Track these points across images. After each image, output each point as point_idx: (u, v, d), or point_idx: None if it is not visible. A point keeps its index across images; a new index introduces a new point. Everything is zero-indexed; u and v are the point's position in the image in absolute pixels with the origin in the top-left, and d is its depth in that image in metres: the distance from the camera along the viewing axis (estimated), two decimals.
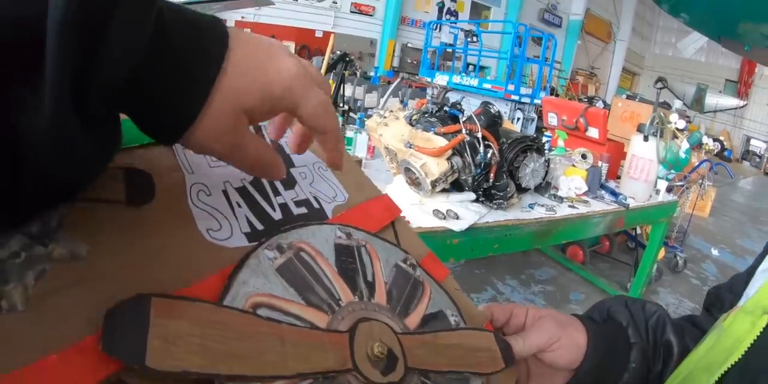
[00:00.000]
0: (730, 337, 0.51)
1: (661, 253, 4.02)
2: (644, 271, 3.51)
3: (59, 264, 0.35)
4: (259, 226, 0.44)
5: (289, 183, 0.51)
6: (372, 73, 8.81)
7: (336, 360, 0.38)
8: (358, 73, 7.09)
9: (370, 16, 12.67)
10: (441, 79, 7.95)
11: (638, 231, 4.29)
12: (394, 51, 12.89)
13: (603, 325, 0.64)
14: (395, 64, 12.81)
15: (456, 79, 8.03)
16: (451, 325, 0.51)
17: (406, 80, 7.20)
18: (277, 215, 0.47)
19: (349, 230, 0.48)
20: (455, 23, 11.13)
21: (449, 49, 9.67)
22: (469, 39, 9.01)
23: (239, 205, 0.45)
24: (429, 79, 7.90)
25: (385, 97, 3.53)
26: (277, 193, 0.49)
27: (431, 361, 0.44)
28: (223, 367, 0.32)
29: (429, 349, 0.45)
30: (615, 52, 18.49)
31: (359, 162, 2.40)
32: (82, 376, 0.30)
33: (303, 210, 0.49)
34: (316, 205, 0.51)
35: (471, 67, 9.73)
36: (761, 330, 0.49)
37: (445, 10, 13.53)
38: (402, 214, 0.61)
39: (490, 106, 2.05)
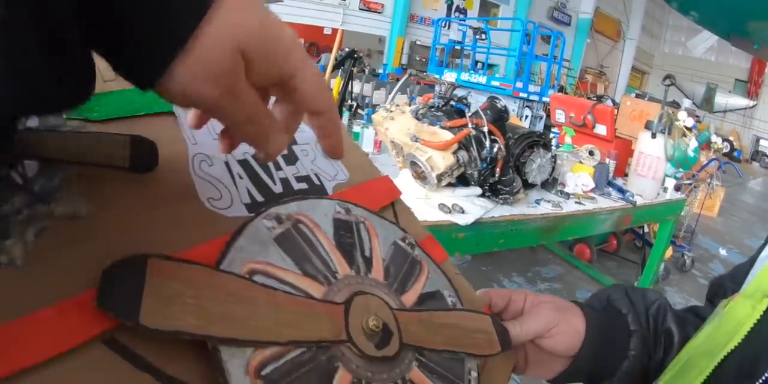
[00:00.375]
0: (731, 322, 0.51)
1: (669, 252, 4.00)
2: (651, 270, 3.49)
3: (60, 222, 0.35)
4: (259, 198, 0.45)
5: (291, 159, 0.51)
6: (380, 71, 8.82)
7: (330, 330, 0.37)
8: (366, 70, 7.11)
9: (379, 13, 12.67)
10: (449, 77, 7.92)
11: (646, 229, 4.27)
12: (402, 48, 12.89)
13: (602, 313, 0.64)
14: (404, 61, 12.80)
15: (464, 76, 8.00)
16: (448, 306, 0.51)
17: (414, 77, 7.21)
18: (277, 189, 0.47)
19: (348, 206, 0.49)
20: (464, 20, 11.12)
21: (458, 47, 9.63)
22: (477, 36, 8.99)
23: (240, 177, 0.46)
24: (437, 76, 7.89)
25: (393, 93, 3.52)
26: (278, 167, 0.50)
27: (427, 339, 0.44)
28: (216, 329, 0.32)
29: (425, 326, 0.45)
30: (624, 50, 18.43)
31: None
32: (76, 329, 0.30)
33: (303, 185, 0.50)
34: (316, 182, 0.51)
35: (479, 65, 9.72)
36: (762, 313, 0.48)
37: (453, 7, 13.51)
38: (407, 205, 0.61)
39: (497, 101, 2.05)
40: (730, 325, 0.50)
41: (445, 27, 10.02)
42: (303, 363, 0.36)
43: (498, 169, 1.91)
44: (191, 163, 0.44)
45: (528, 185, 2.17)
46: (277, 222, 0.42)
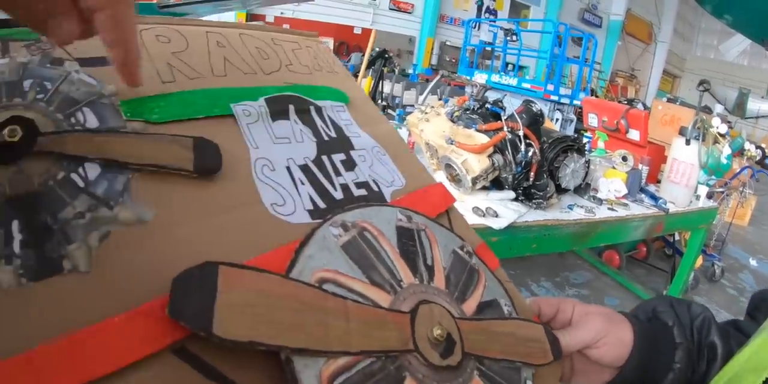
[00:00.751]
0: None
1: (699, 261, 3.93)
2: (681, 279, 3.44)
3: (124, 227, 0.36)
4: (321, 204, 0.46)
5: (349, 164, 0.52)
6: (410, 71, 8.81)
7: (398, 340, 0.38)
8: (396, 70, 7.10)
9: (409, 13, 12.68)
10: (480, 78, 7.90)
11: (676, 237, 4.20)
12: (432, 49, 12.88)
13: (649, 324, 0.64)
14: (433, 61, 12.79)
15: (495, 77, 7.94)
16: (504, 314, 0.51)
17: (445, 78, 7.20)
18: (338, 195, 0.48)
19: (410, 213, 0.49)
20: (494, 21, 11.06)
21: (488, 48, 9.57)
22: (508, 38, 8.93)
23: (302, 183, 0.47)
24: (468, 78, 7.85)
25: (425, 94, 3.54)
26: (338, 173, 0.50)
27: (486, 348, 0.44)
28: (289, 339, 0.32)
29: (484, 335, 0.45)
30: (656, 53, 18.16)
31: None
32: (146, 339, 0.30)
33: (363, 192, 0.51)
34: (375, 188, 0.52)
35: (510, 67, 9.65)
36: None
37: (484, 8, 13.49)
38: (459, 212, 0.61)
39: (532, 105, 2.04)
40: None
41: (475, 28, 9.97)
42: (373, 373, 0.36)
43: (532, 174, 1.91)
44: (254, 167, 0.45)
45: (561, 190, 2.15)
46: (344, 229, 0.42)
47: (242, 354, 0.32)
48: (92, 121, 0.41)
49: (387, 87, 6.14)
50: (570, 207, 2.17)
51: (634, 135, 3.28)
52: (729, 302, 4.05)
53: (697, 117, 3.70)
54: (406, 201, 0.53)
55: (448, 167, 1.84)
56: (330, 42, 11.87)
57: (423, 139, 2.00)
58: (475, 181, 1.80)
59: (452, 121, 2.00)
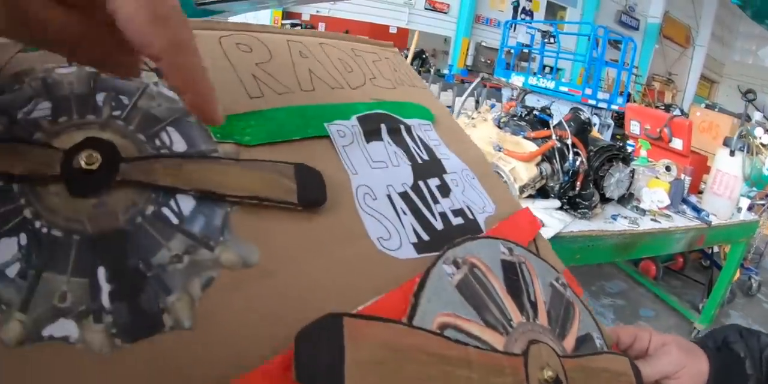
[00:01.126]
0: None
1: (736, 274, 3.85)
2: (719, 293, 3.37)
3: (228, 271, 0.31)
4: (425, 237, 0.44)
5: (445, 190, 0.50)
6: (445, 71, 8.76)
7: None
8: (432, 71, 7.07)
9: (445, 13, 12.60)
10: (517, 80, 7.80)
11: (716, 249, 4.12)
12: (467, 49, 12.78)
13: (722, 355, 0.64)
14: (468, 62, 12.69)
15: (532, 80, 7.85)
16: (597, 348, 0.50)
17: (486, 81, 7.18)
18: (438, 225, 0.46)
19: (511, 245, 0.47)
20: (531, 23, 10.93)
21: (525, 50, 9.49)
22: (546, 40, 8.84)
23: (404, 213, 0.44)
24: (506, 80, 7.79)
25: (464, 96, 3.52)
26: (435, 200, 0.48)
27: (578, 381, 0.43)
28: None
29: (584, 373, 0.44)
30: (693, 57, 17.75)
31: None
32: None
33: (460, 220, 0.49)
34: (470, 216, 0.50)
35: (547, 69, 9.55)
36: None
37: (520, 9, 13.33)
38: (545, 238, 0.60)
39: (581, 112, 2.02)
40: None
41: (511, 29, 9.89)
42: None
43: (579, 183, 1.88)
44: (356, 196, 0.42)
45: (605, 199, 2.12)
46: (456, 267, 0.40)
47: None
48: (179, 144, 0.36)
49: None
50: (614, 217, 2.14)
51: (677, 144, 3.22)
52: (765, 317, 3.96)
53: (742, 128, 3.61)
54: (501, 230, 0.51)
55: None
56: None
57: None
58: (522, 189, 1.78)
59: (499, 127, 1.98)
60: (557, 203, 1.91)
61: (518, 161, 1.77)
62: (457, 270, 0.40)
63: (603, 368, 0.47)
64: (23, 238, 0.28)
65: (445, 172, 0.53)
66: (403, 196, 0.46)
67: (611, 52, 9.49)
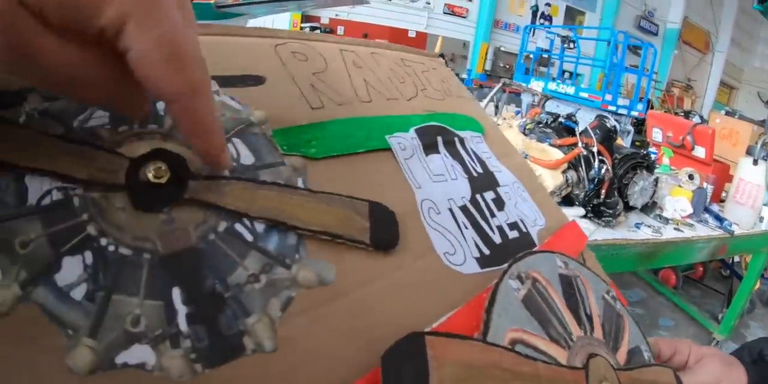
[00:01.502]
0: None
1: (756, 284, 3.82)
2: (740, 303, 3.35)
3: (306, 291, 0.31)
4: (486, 251, 0.44)
5: (500, 204, 0.51)
6: (464, 76, 8.72)
7: None
8: None
9: (464, 17, 12.53)
10: (536, 85, 7.72)
11: (737, 259, 4.08)
12: (486, 54, 12.69)
13: (759, 368, 0.66)
14: (487, 67, 12.61)
15: (552, 86, 7.80)
16: (645, 361, 0.51)
17: (506, 86, 7.15)
18: (497, 239, 0.47)
19: (566, 259, 0.48)
20: (550, 28, 10.91)
21: (545, 55, 9.44)
22: (565, 45, 8.79)
23: (466, 227, 0.45)
24: (525, 85, 7.78)
25: (485, 102, 3.52)
26: (492, 214, 0.49)
27: None
28: None
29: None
30: (713, 63, 17.58)
31: None
32: None
33: (515, 234, 0.50)
34: (523, 229, 0.51)
35: (566, 74, 9.50)
36: None
37: (539, 14, 13.27)
38: (590, 250, 0.60)
39: (606, 120, 2.02)
40: None
41: (530, 34, 9.86)
42: None
43: (603, 191, 1.88)
44: (421, 210, 0.42)
45: (629, 208, 2.12)
46: (520, 282, 0.40)
47: None
48: (246, 156, 0.35)
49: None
50: (637, 226, 2.13)
51: (700, 152, 3.20)
52: None
53: (765, 136, 3.56)
54: (554, 243, 0.52)
55: None
56: None
57: None
58: None
59: (524, 133, 1.98)
60: (582, 211, 1.91)
61: (544, 168, 1.77)
62: (522, 285, 0.40)
63: (652, 380, 0.47)
64: (89, 257, 0.26)
65: (499, 185, 0.54)
66: (464, 209, 0.46)
67: (630, 58, 9.43)
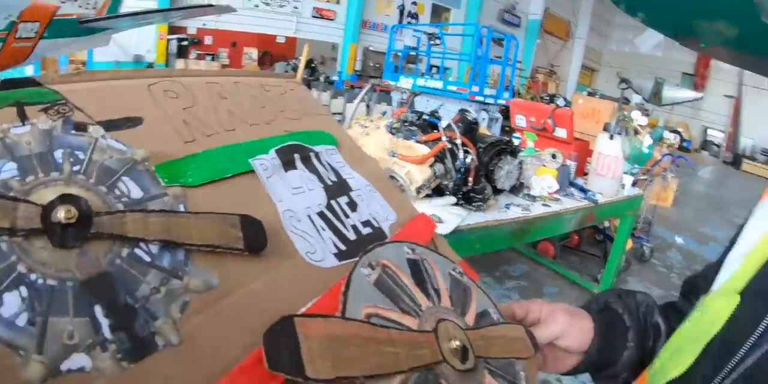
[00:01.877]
0: (711, 313, 0.61)
1: (629, 244, 4.17)
2: (614, 263, 3.65)
3: (198, 295, 0.39)
4: (342, 247, 0.53)
5: (353, 206, 0.60)
6: (335, 78, 8.79)
7: (431, 354, 0.45)
8: (321, 78, 7.12)
9: (332, 20, 12.67)
10: (405, 83, 8.01)
11: (606, 224, 4.43)
12: (356, 55, 12.88)
13: (604, 314, 0.75)
14: (357, 67, 12.81)
15: (420, 81, 8.05)
16: (494, 321, 0.60)
17: (376, 86, 7.27)
18: (351, 235, 0.56)
19: (413, 246, 0.57)
20: (417, 26, 11.14)
21: (413, 53, 9.79)
22: (432, 42, 9.06)
23: (323, 229, 0.54)
24: (394, 83, 7.97)
25: (356, 102, 3.62)
26: (346, 215, 0.58)
27: (489, 351, 0.52)
28: (361, 369, 0.39)
29: (485, 341, 0.53)
30: (574, 49, 18.85)
31: None
32: None
33: (369, 229, 0.59)
34: (376, 225, 0.60)
35: (434, 70, 9.75)
36: (735, 306, 0.59)
37: (405, 12, 13.55)
38: (441, 236, 0.69)
39: (467, 114, 2.17)
40: (710, 316, 0.61)
41: (398, 33, 10.06)
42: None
43: (471, 179, 2.02)
44: (284, 221, 0.50)
45: (497, 191, 2.27)
46: (371, 269, 0.49)
47: None
48: (135, 192, 0.42)
49: (314, 96, 6.17)
50: (507, 206, 2.29)
51: (561, 133, 3.45)
52: (660, 279, 4.32)
53: (619, 113, 3.91)
54: (404, 234, 0.60)
55: (392, 179, 1.91)
56: (254, 52, 11.78)
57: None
58: (418, 190, 1.90)
59: (391, 133, 2.08)
60: (453, 200, 2.03)
61: (412, 164, 1.88)
62: (372, 271, 0.49)
63: (501, 335, 0.57)
64: (23, 291, 0.33)
65: (351, 190, 0.62)
66: (320, 214, 0.55)
67: (496, 50, 9.89)
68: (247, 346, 0.38)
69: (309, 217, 0.53)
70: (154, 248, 0.39)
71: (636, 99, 8.34)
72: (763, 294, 0.58)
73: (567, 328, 0.69)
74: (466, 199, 2.10)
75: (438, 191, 2.06)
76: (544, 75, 16.71)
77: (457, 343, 0.48)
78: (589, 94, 7.09)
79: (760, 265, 0.62)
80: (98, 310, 0.34)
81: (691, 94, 17.77)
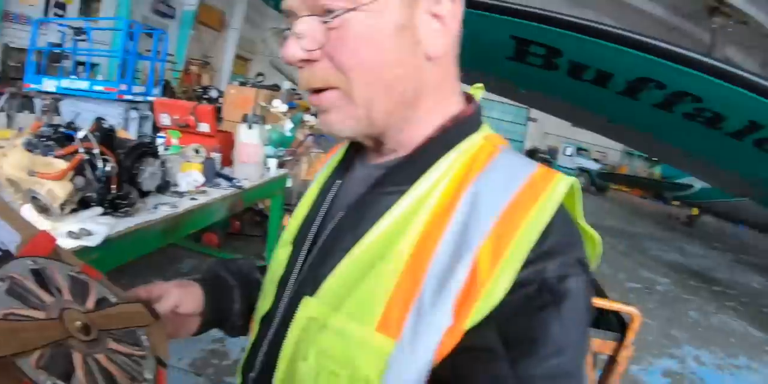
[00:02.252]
0: (277, 261, 0.77)
1: (286, 219, 4.64)
2: (273, 239, 4.07)
3: None
4: None
5: None
6: None
7: (60, 333, 0.60)
8: None
9: None
10: (50, 85, 7.38)
11: (261, 206, 4.86)
12: None
13: (210, 278, 0.87)
14: None
15: (65, 83, 7.48)
16: (112, 303, 0.68)
17: (17, 93, 6.44)
18: None
19: (37, 259, 0.66)
20: (63, 20, 10.13)
21: (57, 50, 8.90)
22: (78, 37, 8.49)
23: None
24: (37, 86, 7.28)
25: None
26: None
27: (109, 324, 0.65)
28: (6, 351, 0.55)
29: (105, 318, 0.64)
30: (228, 39, 19.01)
31: None
32: None
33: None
34: (4, 248, 0.70)
35: (81, 68, 9.06)
36: (289, 253, 0.75)
37: (52, 2, 11.78)
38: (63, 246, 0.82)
39: (103, 122, 2.22)
40: (277, 263, 0.77)
41: (41, 27, 9.01)
42: (55, 355, 0.59)
43: (114, 186, 2.10)
44: None
45: (144, 194, 2.36)
46: (2, 282, 0.61)
47: None
48: None
49: None
50: (156, 207, 2.39)
51: (205, 127, 3.72)
52: None
53: (255, 105, 4.30)
54: (27, 251, 0.70)
55: (34, 199, 1.91)
56: None
57: (3, 175, 1.94)
58: (63, 207, 1.90)
59: (29, 150, 2.01)
60: (99, 210, 2.08)
61: (53, 181, 1.88)
62: (3, 283, 0.61)
63: (118, 313, 0.66)
64: None
65: None
66: None
67: (147, 43, 9.54)
68: None
69: None
70: None
71: (286, 85, 9.06)
72: (299, 243, 0.74)
73: (180, 297, 0.78)
74: (113, 206, 2.16)
75: (85, 204, 2.08)
76: (198, 67, 16.54)
77: (79, 322, 0.61)
78: (242, 83, 7.46)
79: (301, 220, 0.78)
80: None
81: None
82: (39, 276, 0.64)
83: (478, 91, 0.74)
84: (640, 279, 6.66)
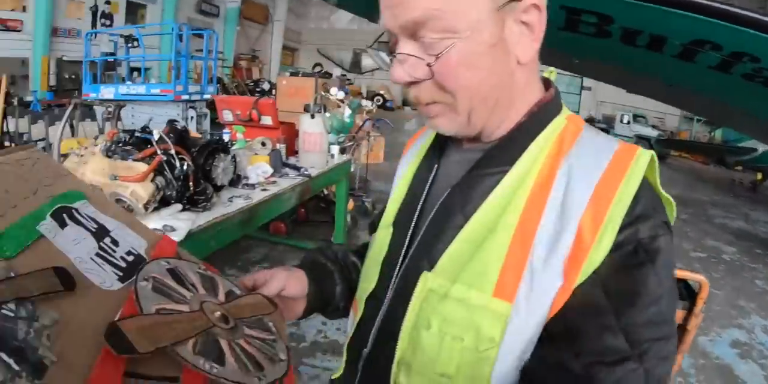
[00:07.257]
0: (378, 243, 0.82)
1: (351, 204, 4.68)
2: (341, 224, 4.14)
3: (51, 327, 0.51)
4: (120, 273, 0.67)
5: (115, 243, 0.72)
6: (30, 98, 7.66)
7: (205, 323, 0.63)
8: (15, 101, 6.30)
9: (18, 31, 10.83)
10: (107, 93, 7.54)
11: (326, 192, 4.92)
12: (48, 68, 11.15)
13: (311, 264, 0.93)
14: (52, 82, 11.16)
15: (123, 89, 7.63)
16: (237, 295, 0.77)
17: (79, 103, 6.64)
18: (122, 264, 0.69)
19: (168, 259, 0.73)
20: (113, 31, 10.30)
21: (111, 59, 9.17)
22: (129, 44, 8.66)
23: (103, 264, 0.67)
24: (96, 95, 7.46)
25: (60, 127, 3.45)
26: (114, 250, 0.70)
27: (242, 314, 0.71)
28: (166, 340, 0.55)
29: (237, 308, 0.71)
30: (273, 32, 19.22)
31: None
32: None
33: (132, 257, 0.72)
34: (135, 252, 0.73)
35: (135, 73, 9.20)
36: (390, 235, 0.80)
37: (99, 13, 12.30)
38: (182, 248, 0.84)
39: (176, 123, 2.30)
40: (378, 244, 0.82)
41: (93, 39, 9.06)
42: (206, 341, 0.60)
43: (191, 184, 2.18)
44: (77, 265, 0.62)
45: (218, 188, 2.44)
46: (146, 281, 0.65)
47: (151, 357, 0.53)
48: None
49: (11, 124, 5.56)
50: (230, 200, 2.47)
51: (267, 120, 3.74)
52: None
53: (316, 95, 4.30)
54: (156, 253, 0.76)
55: (119, 201, 1.98)
56: None
57: (86, 181, 1.88)
58: (146, 206, 1.99)
59: (108, 156, 2.10)
60: (179, 207, 2.17)
61: (134, 183, 1.97)
62: (148, 282, 0.65)
63: (246, 303, 0.74)
64: None
65: (110, 231, 0.73)
66: (98, 255, 0.67)
67: (196, 43, 9.70)
68: (98, 348, 0.52)
69: (91, 258, 0.66)
70: (12, 306, 0.50)
71: (337, 72, 9.06)
72: (401, 224, 0.79)
73: (286, 281, 0.83)
74: (192, 202, 2.24)
75: (165, 202, 2.17)
76: (247, 61, 16.82)
77: (219, 313, 0.66)
78: (292, 74, 7.53)
79: (400, 203, 0.83)
80: (2, 354, 0.45)
81: (387, 59, 19.44)
82: (174, 274, 0.70)
83: (552, 74, 0.79)
84: (705, 248, 6.37)
